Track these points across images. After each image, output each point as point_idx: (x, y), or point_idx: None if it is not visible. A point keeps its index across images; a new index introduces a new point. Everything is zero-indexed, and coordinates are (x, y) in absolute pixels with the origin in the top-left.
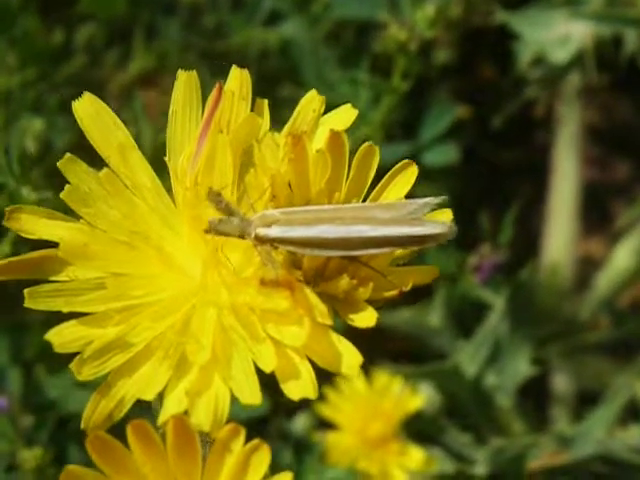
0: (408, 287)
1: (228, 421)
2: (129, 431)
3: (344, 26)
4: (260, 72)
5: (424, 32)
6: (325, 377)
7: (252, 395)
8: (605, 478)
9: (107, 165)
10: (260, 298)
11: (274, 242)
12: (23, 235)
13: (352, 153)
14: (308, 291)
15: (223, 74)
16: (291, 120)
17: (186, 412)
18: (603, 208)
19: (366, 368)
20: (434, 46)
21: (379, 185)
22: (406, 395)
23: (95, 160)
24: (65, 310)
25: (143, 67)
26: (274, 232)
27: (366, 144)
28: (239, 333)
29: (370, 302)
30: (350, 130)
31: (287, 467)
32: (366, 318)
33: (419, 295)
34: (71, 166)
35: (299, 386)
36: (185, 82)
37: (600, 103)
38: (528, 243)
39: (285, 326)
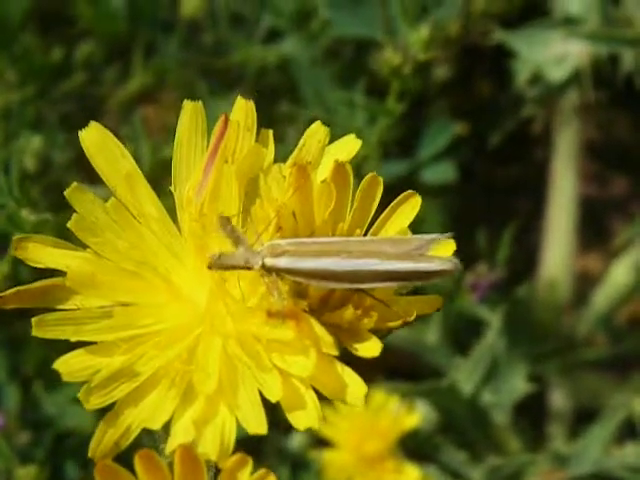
0: (412, 317)
1: None
2: (137, 460)
3: (343, 43)
4: (259, 89)
5: (418, 54)
6: (321, 395)
7: (258, 425)
8: None
9: (113, 194)
10: (266, 328)
11: (282, 272)
12: (30, 263)
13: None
14: (314, 322)
15: (222, 91)
16: (296, 150)
17: (193, 441)
18: (601, 224)
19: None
20: (432, 63)
21: (382, 215)
22: (402, 413)
23: (93, 178)
24: (73, 339)
25: (142, 84)
26: (283, 263)
27: (370, 175)
28: (245, 362)
29: (374, 331)
30: None
31: None
32: (370, 348)
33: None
34: (78, 195)
35: (305, 416)
36: (191, 112)
37: (598, 120)
38: (526, 259)
39: (291, 356)
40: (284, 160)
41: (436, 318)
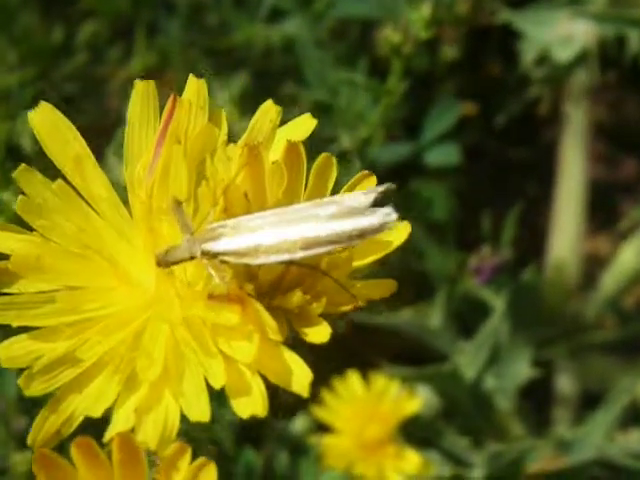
0: (364, 302)
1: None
2: (74, 448)
3: (348, 23)
4: (263, 70)
5: (420, 33)
6: (322, 379)
7: (201, 412)
8: None
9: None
10: (211, 312)
11: (221, 255)
12: None
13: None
14: (259, 306)
15: (226, 72)
16: (247, 131)
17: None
18: (610, 206)
19: (364, 371)
20: (440, 43)
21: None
22: (404, 398)
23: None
24: (15, 324)
25: (145, 64)
26: (217, 246)
27: (323, 155)
28: (191, 346)
29: (325, 316)
30: (350, 130)
31: (284, 470)
32: (319, 333)
33: (420, 296)
34: (27, 176)
35: (249, 403)
36: (142, 92)
37: (607, 100)
38: (534, 241)
39: (236, 341)
40: None
41: (440, 301)
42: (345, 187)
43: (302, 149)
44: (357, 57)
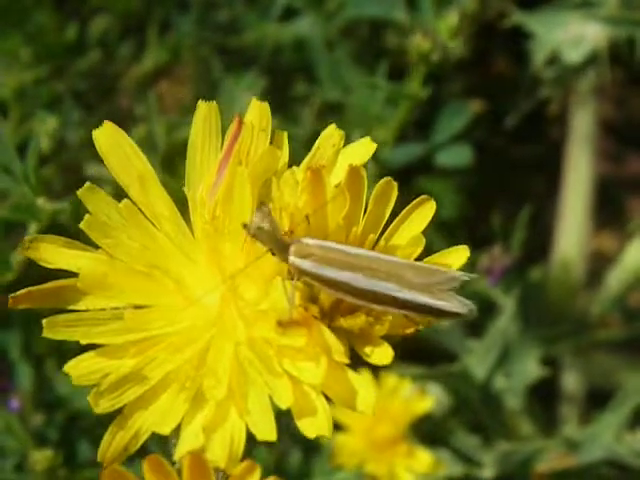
0: (425, 325)
1: None
2: (145, 466)
3: (359, 23)
4: (274, 68)
5: (447, 42)
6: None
7: (268, 431)
8: None
9: (126, 194)
10: (277, 334)
11: (303, 274)
12: (41, 264)
13: None
14: (324, 329)
15: (237, 69)
16: (310, 154)
17: (202, 447)
18: (617, 203)
19: (375, 370)
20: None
21: (396, 220)
22: (415, 397)
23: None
24: (83, 342)
25: (157, 61)
26: (307, 266)
27: (385, 179)
28: (256, 367)
29: (386, 337)
30: (366, 130)
31: (296, 468)
32: (382, 355)
33: None
34: (90, 195)
35: (315, 424)
36: (205, 113)
37: (614, 98)
38: (541, 239)
39: (302, 362)
40: (299, 144)
41: None
42: (406, 209)
43: (364, 173)
44: (367, 57)
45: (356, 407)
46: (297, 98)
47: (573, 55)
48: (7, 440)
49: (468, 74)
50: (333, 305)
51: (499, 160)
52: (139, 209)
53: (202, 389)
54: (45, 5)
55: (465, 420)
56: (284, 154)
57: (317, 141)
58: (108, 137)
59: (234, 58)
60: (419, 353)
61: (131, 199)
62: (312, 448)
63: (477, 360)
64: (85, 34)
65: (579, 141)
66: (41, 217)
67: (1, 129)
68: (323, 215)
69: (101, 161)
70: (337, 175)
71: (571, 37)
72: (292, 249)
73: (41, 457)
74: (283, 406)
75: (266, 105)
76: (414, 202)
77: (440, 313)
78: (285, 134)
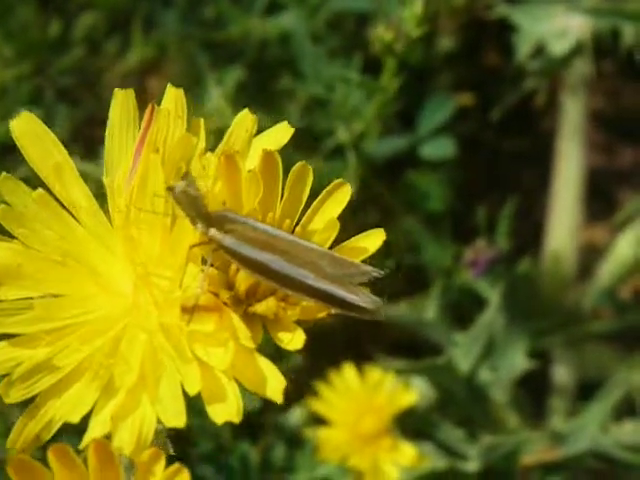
0: (336, 311)
1: None
2: (50, 454)
3: (344, 16)
4: (259, 63)
5: (411, 31)
6: (318, 373)
7: (177, 418)
8: (599, 475)
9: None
10: (181, 319)
11: (221, 249)
12: None
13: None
14: (232, 314)
15: (223, 65)
16: (224, 140)
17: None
18: (608, 195)
19: (359, 363)
20: (437, 34)
21: (313, 205)
22: (399, 391)
23: (93, 153)
24: None
25: (142, 57)
26: (227, 242)
27: (299, 164)
28: (169, 353)
29: (300, 322)
30: (346, 124)
31: (280, 462)
32: (294, 340)
33: (415, 288)
34: (8, 184)
35: (224, 409)
36: (122, 101)
37: (604, 90)
38: (532, 232)
39: (212, 347)
40: None
41: (435, 293)
42: (322, 193)
43: (278, 158)
44: (352, 51)
45: (266, 393)
46: (283, 92)
47: (558, 47)
48: None
49: (458, 67)
50: (249, 292)
51: (489, 153)
52: (56, 199)
53: (113, 376)
54: (28, 1)
55: (450, 413)
56: (201, 141)
57: (230, 127)
58: (26, 127)
59: (220, 53)
60: (404, 346)
61: (49, 189)
62: (296, 442)
63: (462, 353)
64: (70, 30)
65: (569, 133)
66: None
67: None
68: (238, 200)
69: (84, 157)
70: (252, 161)
71: (556, 29)
72: (214, 221)
73: None
74: (192, 391)
75: (181, 92)
76: (329, 187)
77: (349, 306)
78: (202, 121)
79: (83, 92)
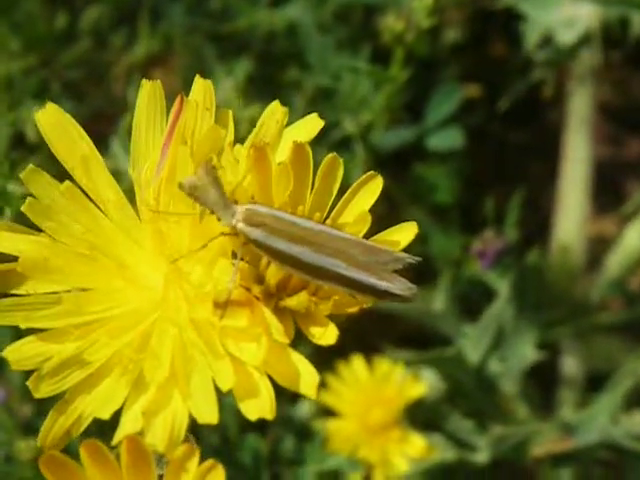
0: (370, 303)
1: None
2: (82, 451)
3: (352, 7)
4: (266, 55)
5: (422, 21)
6: (326, 363)
7: (210, 414)
8: (610, 465)
9: (71, 176)
10: (214, 314)
11: (250, 242)
12: None
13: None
14: (265, 309)
15: (229, 57)
16: (254, 132)
17: (141, 431)
18: (616, 186)
19: (368, 355)
20: (444, 26)
21: (344, 197)
22: (408, 382)
23: (99, 147)
24: (23, 325)
25: (149, 49)
26: (256, 235)
27: (330, 156)
28: (199, 349)
29: (332, 317)
30: (353, 115)
31: (289, 454)
32: (326, 334)
33: (424, 280)
34: (34, 177)
35: (257, 405)
36: (149, 92)
37: (612, 80)
38: (539, 224)
39: (244, 343)
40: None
41: (443, 285)
42: (353, 186)
43: (309, 150)
44: (360, 41)
45: (299, 388)
46: (290, 84)
47: (566, 36)
48: None
49: (465, 58)
50: (279, 286)
51: (496, 144)
52: (84, 192)
53: (143, 372)
54: None
55: (459, 405)
56: (229, 133)
57: (260, 118)
58: (51, 119)
59: (226, 45)
60: (413, 338)
61: (76, 182)
62: (305, 434)
63: (471, 344)
64: (76, 23)
65: (577, 125)
66: (12, 202)
67: None
68: (268, 193)
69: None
70: (282, 153)
71: (564, 18)
72: (242, 216)
73: (25, 447)
74: (224, 388)
75: (210, 83)
76: (361, 179)
77: (383, 294)
78: (230, 112)
79: (89, 85)
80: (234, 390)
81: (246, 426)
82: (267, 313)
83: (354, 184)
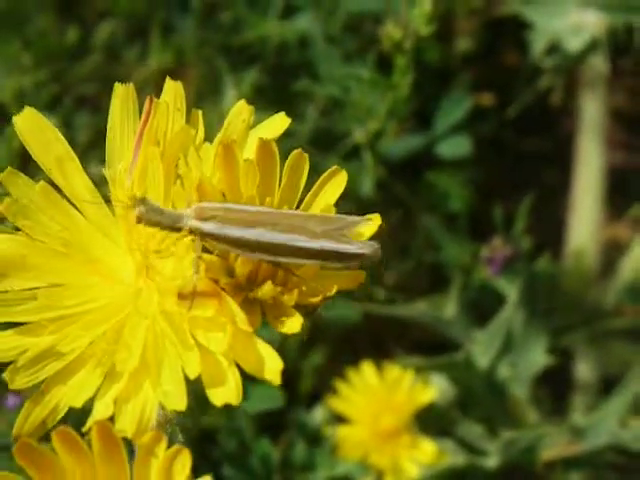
0: (332, 293)
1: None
2: (54, 438)
3: (362, 18)
4: (277, 66)
5: (420, 29)
6: (337, 370)
7: (178, 401)
8: (619, 468)
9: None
10: (178, 305)
11: (206, 237)
12: None
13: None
14: (229, 299)
15: (241, 68)
16: (222, 130)
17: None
18: (630, 192)
19: (378, 361)
20: (455, 35)
21: (311, 192)
22: (418, 388)
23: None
24: (1, 320)
25: (161, 62)
26: (209, 227)
27: (296, 152)
28: (170, 339)
29: (300, 307)
30: (362, 124)
31: (301, 460)
32: (291, 324)
33: (435, 286)
34: (12, 178)
35: (224, 392)
36: (122, 95)
37: (624, 87)
38: (552, 231)
39: (212, 332)
40: (303, 140)
41: (454, 291)
42: (319, 180)
43: (274, 147)
44: (369, 52)
45: (264, 375)
46: (300, 94)
47: (573, 43)
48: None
49: (476, 67)
50: (249, 278)
51: (509, 152)
52: (60, 191)
53: (115, 362)
54: (46, 9)
55: (470, 410)
56: (199, 133)
57: (227, 117)
58: (28, 121)
59: (238, 57)
60: (423, 343)
61: (53, 181)
62: (316, 440)
63: (481, 350)
64: (88, 38)
65: (589, 131)
66: None
67: None
68: (236, 189)
69: (104, 164)
70: (250, 150)
71: (571, 25)
72: (193, 214)
73: None
74: (192, 375)
75: (180, 85)
76: (326, 173)
77: (347, 257)
78: (200, 113)
79: (103, 99)
80: (202, 378)
81: (258, 432)
82: (231, 303)
83: (320, 178)
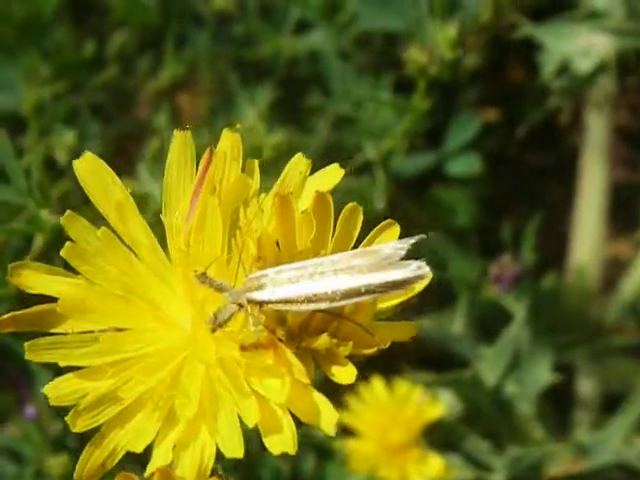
0: (387, 345)
1: None
2: None
3: (373, 35)
4: (289, 80)
5: (446, 54)
6: (348, 386)
7: (236, 449)
8: None
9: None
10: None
11: (264, 304)
12: (24, 289)
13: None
14: (287, 350)
15: (253, 82)
16: (278, 181)
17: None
18: (633, 209)
19: (387, 376)
20: (463, 51)
21: (363, 243)
22: (426, 403)
23: (125, 172)
24: (62, 364)
25: (174, 75)
26: (262, 295)
27: (351, 204)
28: (226, 386)
29: (351, 357)
30: (374, 141)
31: (310, 474)
32: (346, 374)
33: (442, 302)
34: (72, 222)
35: (280, 441)
36: (180, 142)
37: (628, 104)
38: (556, 247)
39: (268, 380)
40: (314, 155)
41: (461, 308)
42: (372, 232)
43: (330, 199)
44: (380, 68)
45: (320, 425)
46: (312, 109)
47: (583, 65)
48: (25, 448)
49: (484, 83)
50: (301, 327)
51: (515, 169)
52: (118, 236)
53: (174, 408)
54: (63, 22)
55: (476, 426)
56: (255, 182)
57: (285, 169)
58: (88, 166)
59: (250, 71)
60: (431, 360)
61: (111, 226)
62: (325, 454)
63: (488, 366)
64: (103, 49)
65: (593, 149)
66: (45, 229)
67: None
68: (292, 240)
69: (118, 174)
70: (305, 201)
71: (580, 47)
72: (244, 289)
73: (56, 463)
74: (250, 424)
75: (237, 135)
76: (380, 225)
77: (402, 283)
78: (256, 162)
79: (116, 109)
80: (259, 426)
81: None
82: (289, 354)
83: (374, 230)
